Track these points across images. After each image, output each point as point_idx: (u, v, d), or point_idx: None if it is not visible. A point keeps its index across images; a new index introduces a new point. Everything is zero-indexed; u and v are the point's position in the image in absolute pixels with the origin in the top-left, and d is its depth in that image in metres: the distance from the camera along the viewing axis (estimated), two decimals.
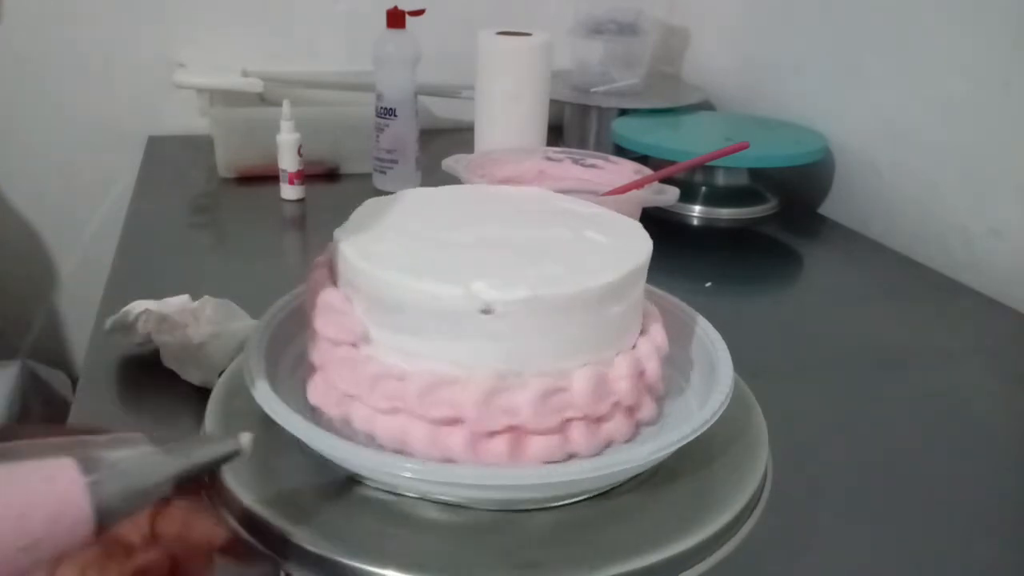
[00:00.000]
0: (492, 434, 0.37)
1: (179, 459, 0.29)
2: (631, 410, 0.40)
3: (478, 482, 0.35)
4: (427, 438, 0.37)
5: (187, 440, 0.31)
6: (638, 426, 0.42)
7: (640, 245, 0.41)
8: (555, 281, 0.37)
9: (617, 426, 0.39)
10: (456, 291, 0.36)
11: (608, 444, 0.40)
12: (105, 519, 0.27)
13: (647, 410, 0.41)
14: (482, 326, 0.36)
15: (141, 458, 0.28)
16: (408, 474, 0.35)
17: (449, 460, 0.37)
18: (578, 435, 0.38)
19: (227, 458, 0.31)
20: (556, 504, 0.37)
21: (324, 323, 0.41)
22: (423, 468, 0.35)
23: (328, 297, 0.41)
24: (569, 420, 0.38)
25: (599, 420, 0.39)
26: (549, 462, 0.37)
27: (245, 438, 0.32)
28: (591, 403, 0.37)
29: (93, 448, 0.28)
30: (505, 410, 0.37)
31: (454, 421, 0.37)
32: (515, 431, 0.37)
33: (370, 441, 0.39)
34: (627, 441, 0.41)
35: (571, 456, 0.38)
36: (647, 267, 0.40)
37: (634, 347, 0.41)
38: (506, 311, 0.36)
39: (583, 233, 0.42)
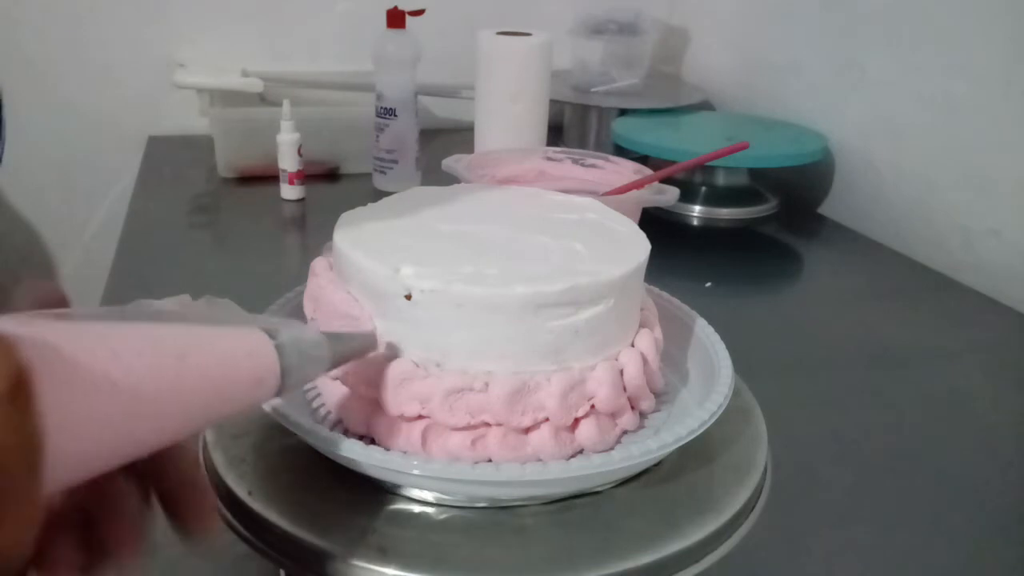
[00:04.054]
0: (408, 419, 0.38)
1: (335, 343, 0.33)
2: (612, 416, 0.40)
3: (458, 477, 0.35)
4: (360, 414, 0.39)
5: (337, 333, 0.35)
6: (623, 431, 0.41)
7: (617, 262, 0.40)
8: (486, 280, 0.37)
9: (588, 431, 0.39)
10: (385, 272, 0.38)
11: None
12: (286, 379, 0.30)
13: (628, 417, 0.41)
14: (406, 311, 0.37)
15: (308, 337, 0.32)
16: (416, 471, 0.35)
17: (371, 436, 0.39)
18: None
19: (368, 350, 0.37)
20: (553, 502, 0.37)
21: (309, 289, 0.44)
22: (429, 466, 0.35)
23: (315, 266, 0.44)
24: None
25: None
26: (458, 458, 0.37)
27: (376, 334, 0.38)
28: (506, 409, 0.37)
29: (269, 324, 0.31)
30: (416, 397, 0.37)
31: (374, 400, 0.38)
32: (426, 421, 0.37)
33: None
34: (608, 448, 0.40)
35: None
36: (613, 286, 0.38)
37: (618, 356, 0.40)
38: (423, 299, 0.37)
39: (572, 241, 0.42)
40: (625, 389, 0.40)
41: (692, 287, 0.76)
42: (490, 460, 0.37)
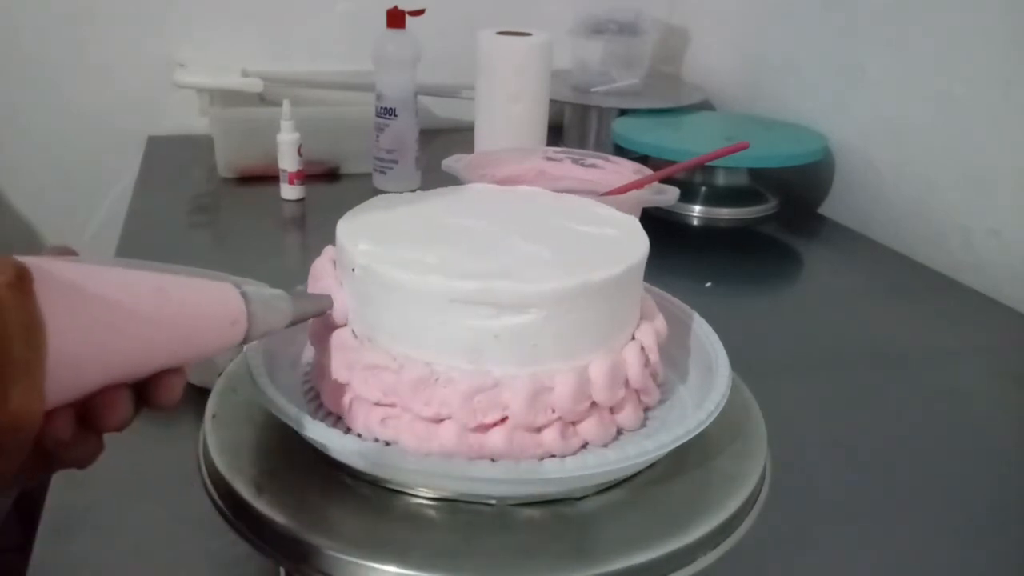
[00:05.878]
0: (341, 384, 0.39)
1: (295, 302, 0.36)
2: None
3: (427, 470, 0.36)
4: (314, 376, 0.42)
5: (297, 292, 0.38)
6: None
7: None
8: (422, 267, 0.38)
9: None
10: (350, 245, 0.40)
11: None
12: (251, 326, 0.33)
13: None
14: (354, 283, 0.39)
15: (271, 291, 0.35)
16: (412, 466, 0.35)
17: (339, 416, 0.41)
18: (448, 434, 0.37)
19: (324, 310, 0.39)
20: (554, 501, 0.37)
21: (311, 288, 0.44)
22: (423, 462, 0.35)
23: (316, 266, 0.44)
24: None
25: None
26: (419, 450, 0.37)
27: (332, 298, 0.40)
28: (411, 395, 0.37)
29: (234, 279, 0.34)
30: (345, 365, 0.39)
31: (344, 385, 0.40)
32: (393, 407, 0.38)
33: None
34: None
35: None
36: (543, 296, 0.37)
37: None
38: (360, 275, 0.39)
39: (572, 245, 0.42)
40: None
41: (692, 287, 0.77)
42: (397, 442, 0.38)
